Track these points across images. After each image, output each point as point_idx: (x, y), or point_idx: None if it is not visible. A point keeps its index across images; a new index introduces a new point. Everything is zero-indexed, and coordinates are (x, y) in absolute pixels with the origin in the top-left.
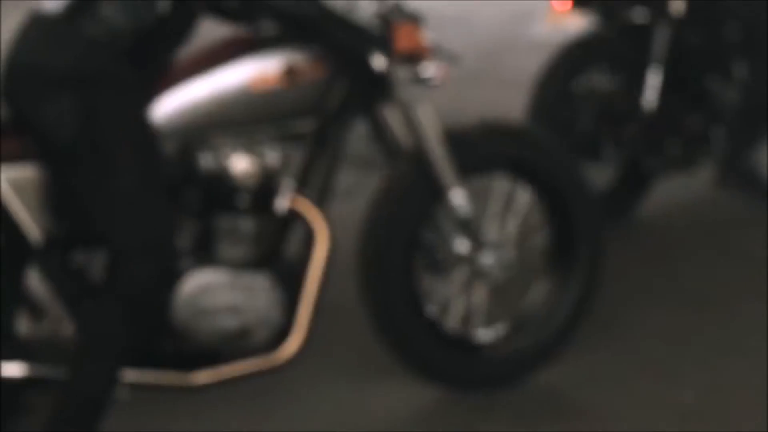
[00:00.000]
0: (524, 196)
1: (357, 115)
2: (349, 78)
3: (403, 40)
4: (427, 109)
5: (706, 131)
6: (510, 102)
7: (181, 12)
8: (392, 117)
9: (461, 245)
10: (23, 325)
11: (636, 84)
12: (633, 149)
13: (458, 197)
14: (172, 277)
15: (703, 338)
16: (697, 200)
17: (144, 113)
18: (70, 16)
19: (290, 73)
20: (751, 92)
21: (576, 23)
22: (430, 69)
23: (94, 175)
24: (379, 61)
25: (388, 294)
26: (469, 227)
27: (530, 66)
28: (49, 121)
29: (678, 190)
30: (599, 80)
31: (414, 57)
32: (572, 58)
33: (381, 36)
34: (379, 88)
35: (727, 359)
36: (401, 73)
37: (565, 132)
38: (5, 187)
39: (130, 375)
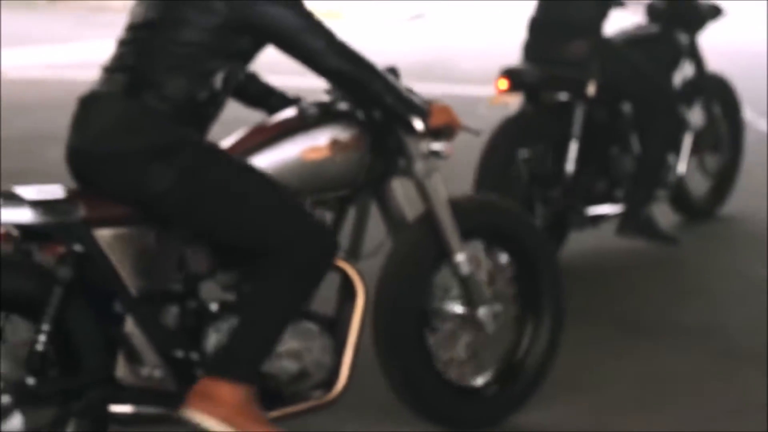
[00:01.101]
0: (502, 257)
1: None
2: (381, 149)
3: (440, 116)
4: (437, 180)
5: (611, 193)
6: (459, 169)
7: (227, 88)
8: (398, 187)
9: (462, 303)
10: (122, 369)
11: (559, 154)
12: (557, 208)
13: (462, 259)
14: (333, 248)
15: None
16: (605, 246)
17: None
18: (134, 93)
19: (335, 144)
20: (642, 162)
21: (514, 103)
22: (443, 143)
23: (223, 212)
24: (415, 134)
25: (402, 350)
26: (468, 286)
27: (478, 140)
28: (152, 193)
29: (590, 238)
30: (531, 151)
31: (442, 132)
32: (509, 133)
33: (423, 111)
34: (395, 160)
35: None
36: (423, 146)
37: (505, 194)
38: (110, 243)
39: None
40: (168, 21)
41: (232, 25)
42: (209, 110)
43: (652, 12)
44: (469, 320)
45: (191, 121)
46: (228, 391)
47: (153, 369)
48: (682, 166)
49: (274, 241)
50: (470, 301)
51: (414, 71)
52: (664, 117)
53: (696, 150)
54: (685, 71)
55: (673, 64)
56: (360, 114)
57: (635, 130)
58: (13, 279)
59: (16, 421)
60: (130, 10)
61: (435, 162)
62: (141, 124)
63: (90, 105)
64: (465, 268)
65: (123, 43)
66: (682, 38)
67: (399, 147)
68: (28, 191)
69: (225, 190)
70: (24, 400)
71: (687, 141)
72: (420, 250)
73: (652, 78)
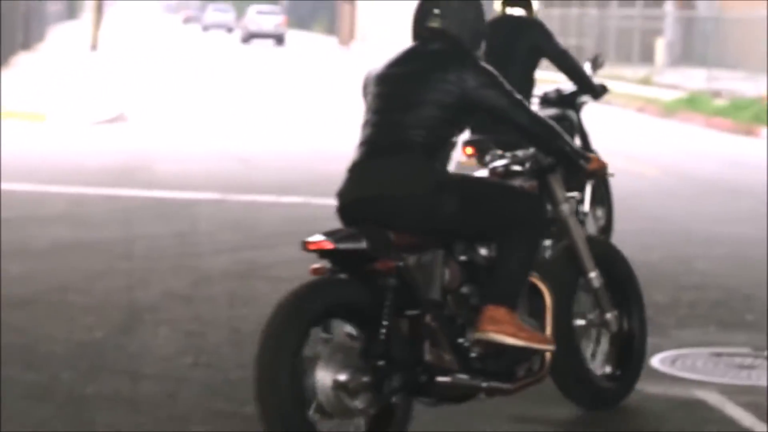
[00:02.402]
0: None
1: None
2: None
3: (595, 162)
4: (575, 219)
5: None
6: None
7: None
8: None
9: (593, 310)
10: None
11: None
12: None
13: (594, 275)
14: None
15: None
16: None
17: None
18: (432, 156)
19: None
20: None
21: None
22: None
23: (487, 210)
24: (584, 174)
25: (574, 351)
26: (598, 296)
27: None
28: (452, 226)
29: None
30: None
31: (595, 174)
32: None
33: (587, 158)
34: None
35: None
36: (564, 193)
37: None
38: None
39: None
40: (413, 104)
41: (461, 104)
42: (450, 155)
43: (545, 100)
44: (598, 323)
45: (443, 164)
46: (506, 314)
47: (445, 353)
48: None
49: (520, 216)
50: (600, 307)
51: (112, 175)
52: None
53: (591, 203)
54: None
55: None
56: (531, 171)
57: None
58: (353, 293)
59: (364, 396)
60: (373, 97)
61: (574, 204)
62: (426, 173)
63: (377, 168)
64: (596, 283)
65: (379, 123)
66: (573, 116)
67: (548, 193)
68: (351, 230)
69: (487, 197)
70: (378, 379)
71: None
72: (568, 271)
73: None
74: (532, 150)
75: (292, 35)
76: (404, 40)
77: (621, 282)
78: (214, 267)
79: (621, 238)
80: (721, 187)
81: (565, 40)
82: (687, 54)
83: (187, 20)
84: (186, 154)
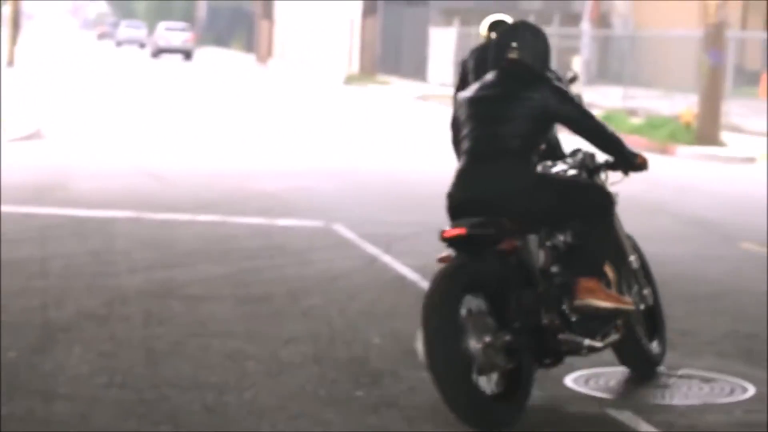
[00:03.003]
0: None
1: None
2: None
3: (643, 158)
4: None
5: None
6: None
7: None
8: None
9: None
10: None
11: None
12: None
13: (633, 258)
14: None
15: None
16: None
17: None
18: (527, 159)
19: None
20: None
21: None
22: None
23: (573, 198)
24: (635, 169)
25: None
26: (636, 275)
27: None
28: (547, 214)
29: None
30: None
31: (642, 167)
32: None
33: (636, 154)
34: None
35: None
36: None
37: None
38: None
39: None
40: (508, 119)
41: (544, 117)
42: (536, 159)
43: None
44: (638, 298)
45: (534, 166)
46: (596, 283)
47: (555, 318)
48: None
49: (596, 203)
50: (639, 285)
51: (27, 193)
52: None
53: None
54: None
55: None
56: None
57: None
58: (487, 270)
59: (505, 355)
60: (469, 115)
61: (617, 199)
62: (526, 173)
63: (484, 171)
64: (635, 264)
65: (479, 136)
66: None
67: None
68: (474, 220)
69: (572, 189)
70: (515, 339)
71: None
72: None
73: None
74: (580, 156)
75: (210, 52)
76: (321, 58)
77: (645, 267)
78: (130, 286)
79: None
80: (636, 205)
81: None
82: (603, 72)
83: (101, 36)
84: (102, 171)
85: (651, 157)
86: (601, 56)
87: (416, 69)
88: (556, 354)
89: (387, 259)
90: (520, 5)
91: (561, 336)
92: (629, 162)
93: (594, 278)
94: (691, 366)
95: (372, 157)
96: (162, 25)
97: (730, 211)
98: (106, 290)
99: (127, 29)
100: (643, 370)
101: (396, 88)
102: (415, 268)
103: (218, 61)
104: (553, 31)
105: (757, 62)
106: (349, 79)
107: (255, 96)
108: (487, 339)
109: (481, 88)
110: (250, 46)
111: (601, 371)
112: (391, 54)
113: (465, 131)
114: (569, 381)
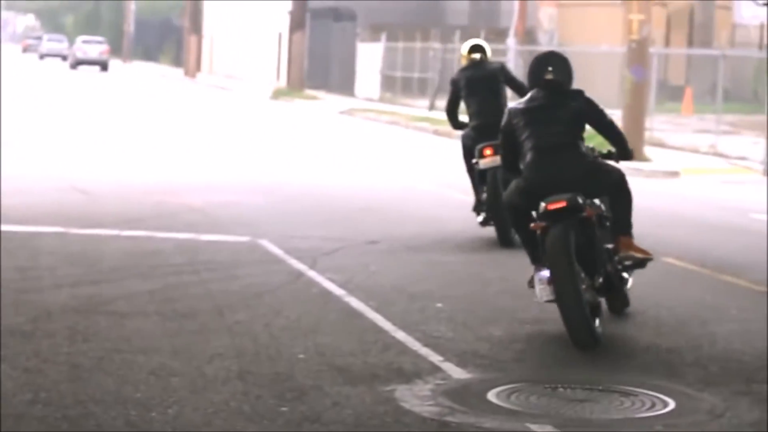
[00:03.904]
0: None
1: None
2: None
3: (635, 151)
4: None
5: None
6: None
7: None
8: None
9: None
10: None
11: None
12: None
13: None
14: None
15: None
16: None
17: None
18: (577, 150)
19: None
20: None
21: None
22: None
23: (613, 183)
24: (628, 158)
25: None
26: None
27: None
28: (595, 188)
29: None
30: None
31: (630, 156)
32: None
33: (630, 149)
34: None
35: None
36: None
37: None
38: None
39: None
40: (558, 122)
41: (582, 121)
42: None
43: None
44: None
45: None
46: (630, 239)
47: (613, 266)
48: None
49: (622, 179)
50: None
51: None
52: None
53: None
54: None
55: None
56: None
57: None
58: (581, 234)
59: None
60: (526, 121)
61: None
62: (581, 159)
63: (549, 161)
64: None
65: (539, 135)
66: None
67: None
68: (563, 196)
69: (608, 170)
70: (604, 281)
71: None
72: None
73: None
74: (587, 148)
75: (139, 66)
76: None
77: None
78: (55, 302)
79: (462, 270)
80: None
81: (410, 73)
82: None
83: (25, 49)
84: (28, 186)
85: None
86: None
87: (344, 84)
88: (618, 291)
89: (312, 274)
90: (447, 20)
91: (623, 276)
92: (626, 153)
93: (629, 235)
94: (612, 380)
95: (298, 172)
96: (80, 39)
97: (653, 225)
98: (32, 306)
99: (50, 43)
100: (623, 308)
101: (323, 102)
102: (340, 283)
103: (146, 75)
104: None
105: (680, 77)
106: (277, 94)
107: (182, 110)
108: (587, 282)
109: (529, 101)
110: (178, 60)
111: (523, 387)
112: (319, 69)
113: (527, 133)
114: (492, 396)
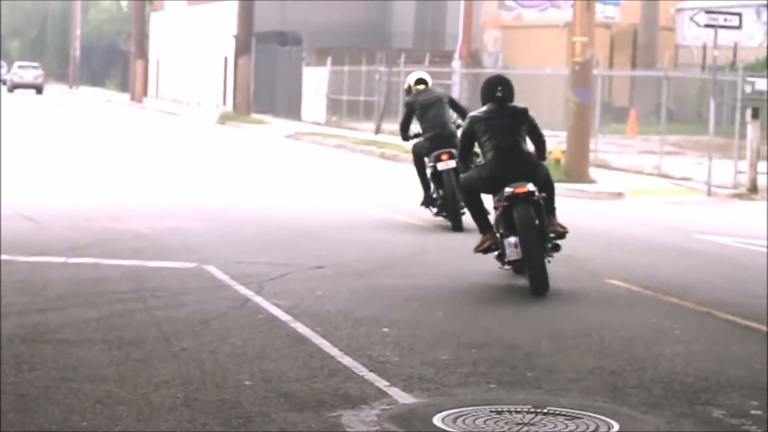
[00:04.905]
0: None
1: None
2: None
3: (552, 153)
4: None
5: None
6: None
7: None
8: None
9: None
10: None
11: None
12: None
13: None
14: None
15: None
16: None
17: None
18: (527, 150)
19: None
20: None
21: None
22: None
23: (545, 175)
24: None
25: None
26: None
27: None
28: (537, 178)
29: None
30: None
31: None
32: None
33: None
34: None
35: None
36: None
37: None
38: None
39: None
40: (513, 130)
41: (528, 129)
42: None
43: (458, 126)
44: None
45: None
46: (556, 218)
47: (548, 236)
48: None
49: (548, 173)
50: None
51: None
52: None
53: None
54: None
55: None
56: None
57: None
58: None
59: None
60: (486, 128)
61: None
62: (530, 156)
63: (508, 158)
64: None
65: (498, 137)
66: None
67: None
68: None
69: (543, 166)
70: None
71: None
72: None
73: None
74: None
75: (85, 92)
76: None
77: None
78: (2, 331)
79: (405, 293)
80: None
81: (356, 96)
82: (474, 108)
83: None
84: None
85: None
86: (472, 93)
87: (290, 107)
88: (553, 250)
89: (258, 300)
90: (393, 44)
91: (555, 242)
92: (544, 157)
93: (554, 215)
94: (557, 403)
95: (244, 197)
96: (16, 64)
97: (598, 247)
98: None
99: None
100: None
101: (270, 127)
102: (286, 308)
103: (92, 100)
104: (424, 70)
105: (624, 99)
106: (223, 118)
107: (127, 136)
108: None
109: (487, 112)
110: (125, 85)
111: (470, 410)
112: (265, 93)
113: (487, 136)
114: (437, 420)
